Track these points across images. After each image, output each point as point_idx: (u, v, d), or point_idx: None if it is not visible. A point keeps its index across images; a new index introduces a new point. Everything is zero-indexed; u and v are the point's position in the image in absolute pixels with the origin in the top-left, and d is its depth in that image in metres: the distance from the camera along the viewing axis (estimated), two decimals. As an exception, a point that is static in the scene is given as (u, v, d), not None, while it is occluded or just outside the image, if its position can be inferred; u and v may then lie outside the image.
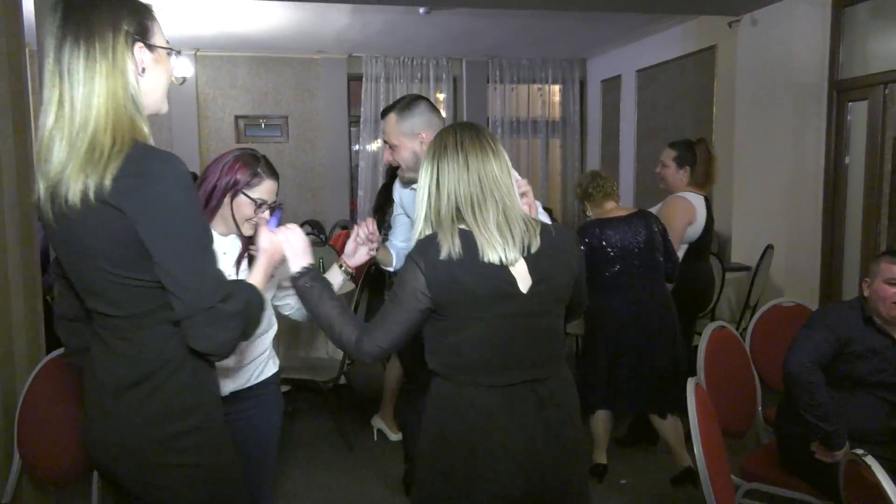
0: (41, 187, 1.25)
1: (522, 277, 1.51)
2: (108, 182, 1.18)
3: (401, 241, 2.48)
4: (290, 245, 1.58)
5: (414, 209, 2.25)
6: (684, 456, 3.11)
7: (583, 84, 8.60)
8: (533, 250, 1.52)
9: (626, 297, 3.06)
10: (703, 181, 3.52)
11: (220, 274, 1.28)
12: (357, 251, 1.97)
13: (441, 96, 8.25)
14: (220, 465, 1.37)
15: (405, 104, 2.17)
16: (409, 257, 1.54)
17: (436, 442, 1.54)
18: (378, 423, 3.83)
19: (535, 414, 1.50)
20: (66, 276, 1.37)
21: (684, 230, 3.39)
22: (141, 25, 1.28)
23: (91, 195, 1.18)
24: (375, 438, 3.77)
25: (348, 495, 3.19)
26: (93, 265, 1.25)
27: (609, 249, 3.04)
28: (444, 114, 2.13)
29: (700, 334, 2.61)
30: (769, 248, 4.60)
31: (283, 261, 1.60)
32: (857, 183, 4.64)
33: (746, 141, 5.23)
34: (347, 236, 7.53)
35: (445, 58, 8.12)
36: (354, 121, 8.16)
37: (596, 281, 2.93)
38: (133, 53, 1.26)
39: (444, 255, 1.48)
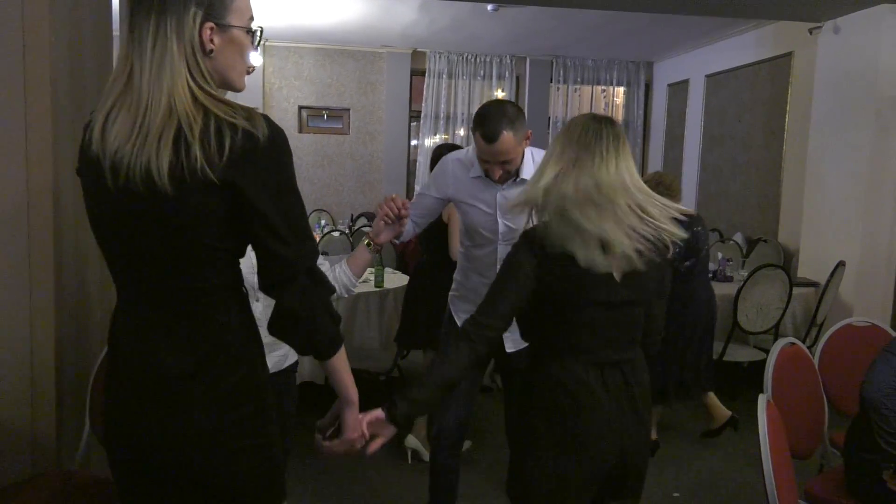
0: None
1: (617, 268, 1.61)
2: (194, 156, 1.11)
3: (413, 217, 2.42)
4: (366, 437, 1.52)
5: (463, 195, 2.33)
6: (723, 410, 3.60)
7: (648, 87, 8.45)
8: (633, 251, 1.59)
9: (708, 287, 3.54)
10: None
11: (315, 238, 1.28)
12: (385, 229, 2.00)
13: (501, 94, 8.21)
14: (278, 441, 1.38)
15: (510, 117, 2.11)
16: (524, 238, 1.61)
17: (552, 416, 1.65)
18: (413, 442, 3.46)
19: (623, 389, 1.66)
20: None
21: None
22: (212, 4, 1.19)
23: (173, 172, 1.12)
24: (410, 461, 3.43)
25: (401, 485, 3.22)
26: (174, 237, 1.18)
27: None
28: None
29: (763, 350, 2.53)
30: (841, 264, 4.43)
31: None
32: (940, 201, 4.43)
33: (821, 153, 5.03)
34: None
35: (509, 55, 8.09)
36: (415, 115, 8.20)
37: None
38: (201, 33, 1.18)
39: (555, 241, 1.57)
